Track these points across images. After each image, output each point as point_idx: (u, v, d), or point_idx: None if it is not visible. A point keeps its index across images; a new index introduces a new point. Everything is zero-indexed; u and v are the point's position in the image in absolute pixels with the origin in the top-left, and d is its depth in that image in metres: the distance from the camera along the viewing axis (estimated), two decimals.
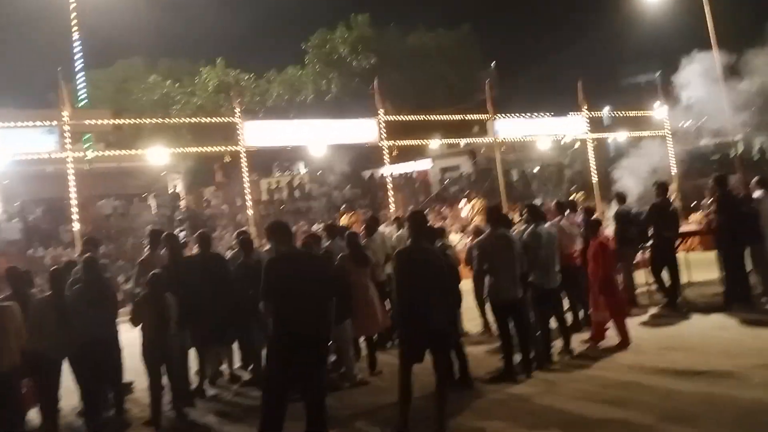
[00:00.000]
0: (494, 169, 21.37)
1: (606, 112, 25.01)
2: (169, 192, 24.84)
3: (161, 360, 6.02)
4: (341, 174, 32.43)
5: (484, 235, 6.84)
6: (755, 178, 9.12)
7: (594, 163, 19.67)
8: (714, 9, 17.63)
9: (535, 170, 33.13)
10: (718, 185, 8.45)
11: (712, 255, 9.04)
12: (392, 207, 17.58)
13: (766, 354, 6.30)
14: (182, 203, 23.46)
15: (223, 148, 15.82)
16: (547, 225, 7.62)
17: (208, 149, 16.66)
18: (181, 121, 20.37)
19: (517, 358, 6.59)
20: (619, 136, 22.35)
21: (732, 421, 4.81)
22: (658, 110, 20.83)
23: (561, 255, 7.95)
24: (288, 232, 4.93)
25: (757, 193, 8.67)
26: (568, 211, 8.88)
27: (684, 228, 10.60)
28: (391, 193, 18.04)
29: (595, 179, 19.28)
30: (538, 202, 16.26)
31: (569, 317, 8.21)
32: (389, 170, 18.77)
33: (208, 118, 17.95)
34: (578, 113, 19.77)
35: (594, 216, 8.68)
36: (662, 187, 9.18)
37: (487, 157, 27.64)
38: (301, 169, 35.82)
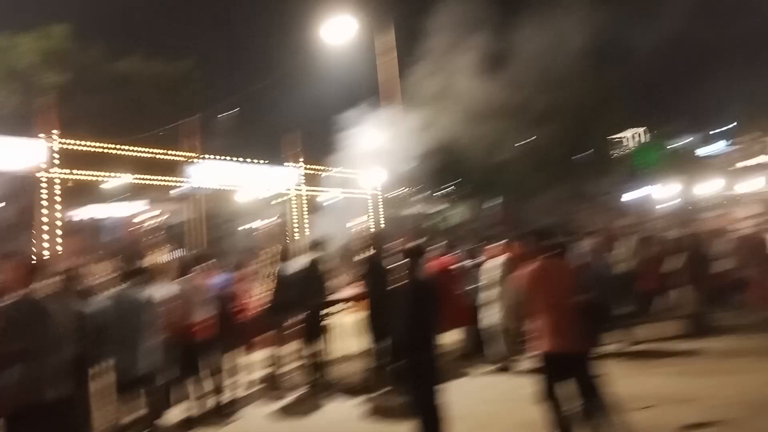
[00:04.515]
0: (199, 217, 19.32)
1: (330, 169, 24.70)
2: None
3: None
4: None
5: (9, 299, 4.52)
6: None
7: (303, 219, 18.73)
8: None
9: (255, 225, 31.62)
10: (374, 244, 7.47)
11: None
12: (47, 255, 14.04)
13: None
14: None
15: None
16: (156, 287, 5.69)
17: None
18: None
19: None
20: (331, 194, 21.93)
21: None
22: (371, 173, 20.88)
23: (175, 326, 6.10)
24: None
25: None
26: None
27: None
28: (59, 239, 14.53)
29: (297, 237, 18.28)
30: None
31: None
32: (72, 211, 15.50)
33: None
34: (290, 165, 18.85)
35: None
36: (315, 245, 7.93)
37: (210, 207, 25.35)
38: None
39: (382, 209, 19.75)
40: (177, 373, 6.06)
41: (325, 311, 7.78)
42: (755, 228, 11.86)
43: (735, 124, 42.41)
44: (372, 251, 7.43)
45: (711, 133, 43.88)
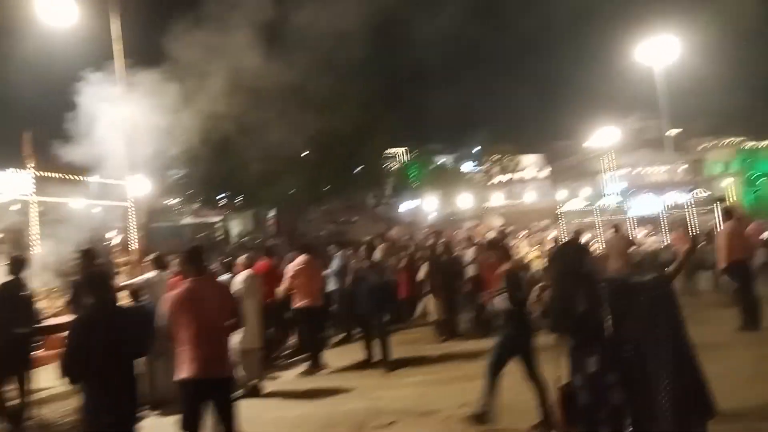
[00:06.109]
0: None
1: (74, 175, 21.59)
2: None
3: None
4: None
5: None
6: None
7: (36, 232, 15.89)
8: None
9: None
10: (85, 264, 6.26)
11: None
12: None
13: None
14: None
15: None
16: None
17: None
18: None
19: None
20: (75, 203, 19.09)
21: None
22: (125, 179, 18.62)
23: None
24: None
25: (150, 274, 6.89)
26: None
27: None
28: None
29: (37, 250, 15.48)
30: None
31: None
32: None
33: None
34: (19, 169, 15.87)
35: None
36: (17, 264, 6.38)
37: None
38: None
39: (135, 221, 17.68)
40: None
41: (30, 341, 6.31)
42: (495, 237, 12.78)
43: (480, 147, 47.88)
44: (82, 272, 6.21)
45: (467, 152, 48.79)
